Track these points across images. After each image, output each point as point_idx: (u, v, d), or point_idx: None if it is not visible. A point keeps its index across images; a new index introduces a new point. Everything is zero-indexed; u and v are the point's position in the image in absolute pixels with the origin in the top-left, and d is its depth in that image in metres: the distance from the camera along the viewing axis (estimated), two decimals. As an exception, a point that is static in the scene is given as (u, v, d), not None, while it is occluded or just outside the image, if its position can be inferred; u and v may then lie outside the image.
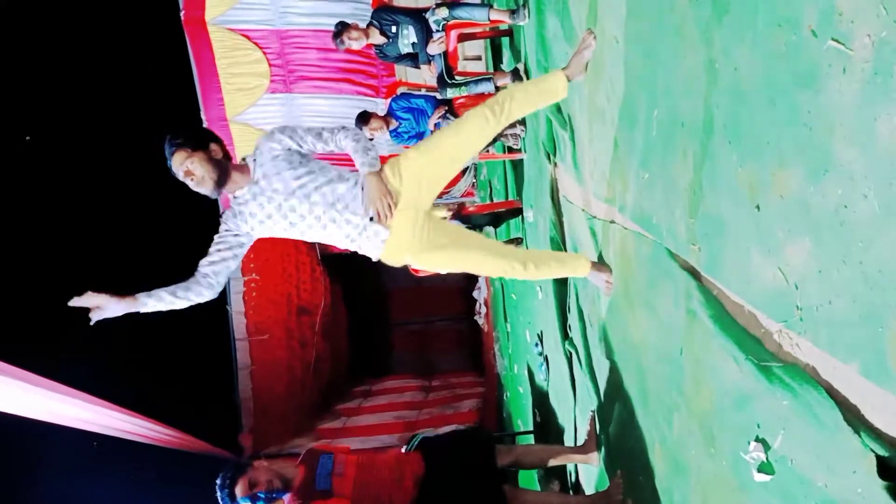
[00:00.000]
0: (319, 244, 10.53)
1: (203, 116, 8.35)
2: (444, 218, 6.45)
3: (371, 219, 2.84)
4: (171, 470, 7.52)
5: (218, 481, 3.24)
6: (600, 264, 3.26)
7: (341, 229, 2.86)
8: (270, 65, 8.20)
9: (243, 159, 2.91)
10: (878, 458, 1.35)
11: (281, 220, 2.85)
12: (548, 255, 3.34)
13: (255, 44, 8.11)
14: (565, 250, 4.41)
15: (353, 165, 2.89)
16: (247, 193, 2.84)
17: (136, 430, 5.69)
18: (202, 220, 8.74)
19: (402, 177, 2.87)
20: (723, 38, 1.84)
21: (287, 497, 3.25)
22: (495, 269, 3.10)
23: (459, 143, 2.97)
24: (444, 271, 3.09)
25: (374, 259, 2.99)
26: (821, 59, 1.40)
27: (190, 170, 2.75)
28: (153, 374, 8.47)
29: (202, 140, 2.82)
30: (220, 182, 2.79)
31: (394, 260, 2.98)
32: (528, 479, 4.99)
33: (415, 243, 2.92)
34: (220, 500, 3.23)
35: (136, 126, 9.05)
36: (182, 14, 7.77)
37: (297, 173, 2.82)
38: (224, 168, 2.81)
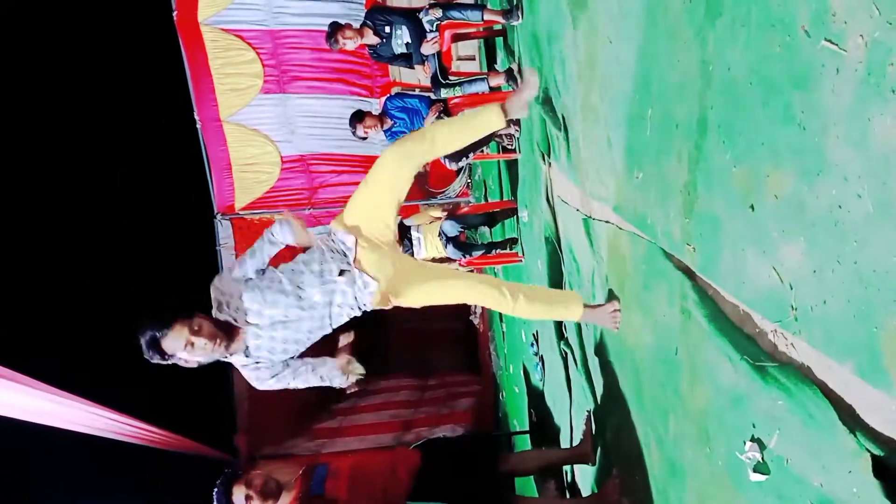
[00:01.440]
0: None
1: (196, 117, 8.32)
2: (439, 218, 6.44)
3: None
4: (165, 472, 7.50)
5: (214, 493, 3.24)
6: (597, 305, 3.09)
7: (341, 317, 2.90)
8: (264, 65, 8.17)
9: (225, 323, 2.72)
10: (874, 457, 1.35)
11: (294, 334, 2.81)
12: (539, 293, 3.19)
13: (249, 44, 8.08)
14: (560, 251, 4.41)
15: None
16: (249, 340, 2.73)
17: (129, 432, 5.67)
18: (197, 219, 8.73)
19: (348, 224, 2.83)
20: (717, 38, 1.85)
21: None
22: (482, 296, 2.96)
23: (383, 182, 2.85)
24: (431, 302, 2.98)
25: (370, 308, 2.95)
26: (814, 60, 1.40)
27: (203, 332, 2.56)
28: (147, 375, 8.45)
29: (187, 307, 2.65)
30: (229, 334, 2.66)
31: (384, 304, 2.92)
32: (525, 482, 4.99)
33: (391, 280, 2.84)
34: None
35: (129, 127, 9.03)
36: (175, 14, 7.74)
37: (283, 289, 2.74)
38: (221, 323, 2.67)
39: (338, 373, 2.97)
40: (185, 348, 2.53)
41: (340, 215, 2.88)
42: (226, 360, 2.74)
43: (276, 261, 2.94)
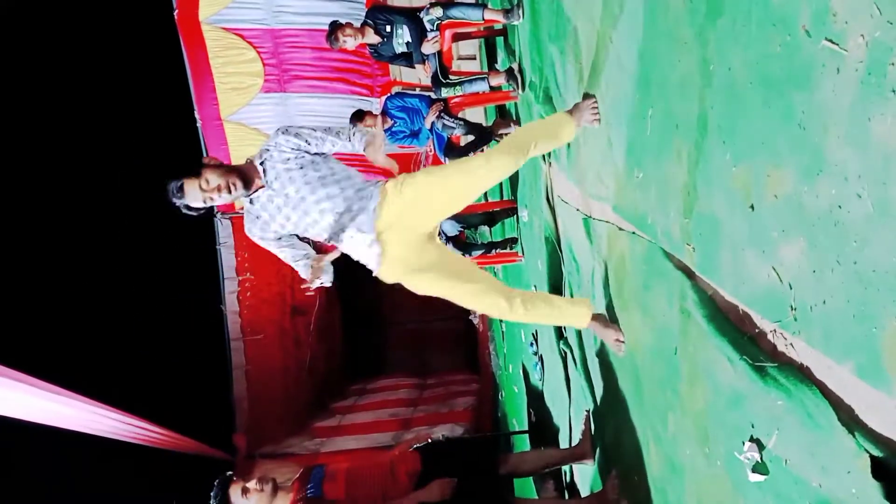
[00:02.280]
0: (315, 243, 10.50)
1: (197, 115, 8.33)
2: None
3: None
4: (164, 471, 7.51)
5: (212, 494, 3.25)
6: (606, 319, 3.08)
7: (351, 240, 2.87)
8: (265, 64, 8.17)
9: (249, 161, 2.90)
10: (873, 458, 1.35)
11: (300, 222, 2.86)
12: (542, 298, 3.18)
13: (250, 43, 8.08)
14: (560, 250, 4.41)
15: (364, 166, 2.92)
16: (262, 196, 2.84)
17: (128, 431, 5.67)
18: (197, 217, 8.72)
19: (404, 193, 2.84)
20: (717, 37, 1.84)
21: None
22: (483, 303, 3.00)
23: (469, 183, 2.96)
24: (433, 294, 3.00)
25: (374, 272, 2.97)
26: (815, 59, 1.40)
27: (212, 186, 2.72)
28: (147, 374, 8.45)
29: (197, 163, 2.81)
30: (245, 180, 2.78)
31: (388, 277, 2.96)
32: (525, 482, 4.99)
33: (405, 262, 2.90)
34: None
35: (130, 125, 9.03)
36: (176, 13, 7.74)
37: (308, 178, 2.80)
38: (238, 168, 2.82)
39: (307, 266, 2.96)
40: (205, 201, 2.75)
41: (404, 180, 2.88)
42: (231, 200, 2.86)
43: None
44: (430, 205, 2.90)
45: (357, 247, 2.87)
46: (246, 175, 2.79)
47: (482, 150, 5.99)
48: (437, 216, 3.02)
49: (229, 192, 2.73)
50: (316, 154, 2.89)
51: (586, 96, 3.13)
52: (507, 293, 2.95)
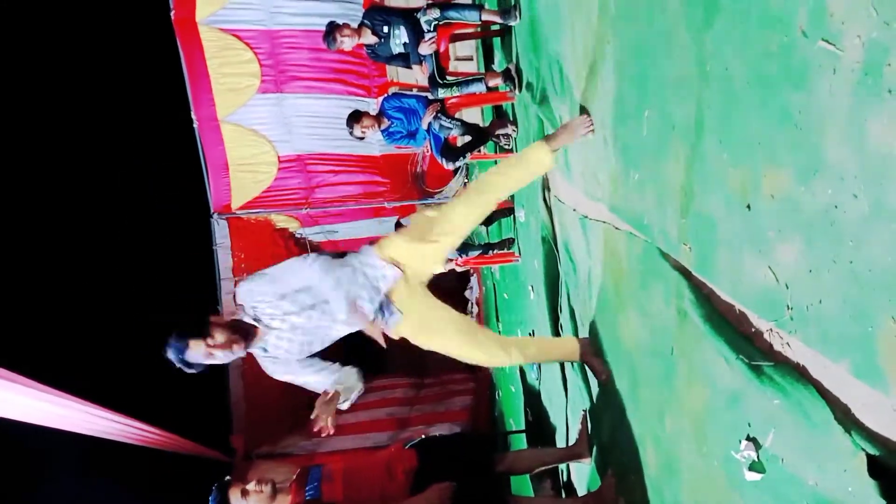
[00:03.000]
0: (310, 243, 10.49)
1: (193, 116, 8.31)
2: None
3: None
4: (162, 472, 7.50)
5: (210, 498, 3.25)
6: (596, 356, 3.33)
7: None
8: (261, 65, 8.16)
9: (237, 319, 2.92)
10: (869, 457, 1.36)
11: (318, 339, 2.99)
12: (534, 344, 3.52)
13: (246, 44, 8.07)
14: (557, 251, 4.41)
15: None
16: (270, 339, 2.90)
17: (126, 432, 5.66)
18: (193, 218, 8.72)
19: (393, 257, 3.02)
20: (714, 38, 1.85)
21: None
22: (484, 356, 3.26)
23: (448, 233, 3.11)
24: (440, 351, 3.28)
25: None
26: (811, 60, 1.41)
27: (219, 342, 2.75)
28: (144, 375, 8.44)
29: (202, 320, 2.85)
30: (246, 337, 2.82)
31: (395, 335, 3.15)
32: (521, 481, 4.99)
33: (413, 322, 3.10)
34: None
35: (127, 126, 9.02)
36: (172, 14, 7.73)
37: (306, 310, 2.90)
38: (239, 326, 2.85)
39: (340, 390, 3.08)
40: (207, 359, 2.77)
41: (383, 245, 3.05)
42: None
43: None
44: (433, 254, 3.10)
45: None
46: (247, 332, 2.84)
47: (479, 151, 6.01)
48: (425, 270, 3.16)
49: (231, 350, 2.77)
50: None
51: (582, 110, 3.24)
52: (503, 344, 3.26)
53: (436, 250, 3.08)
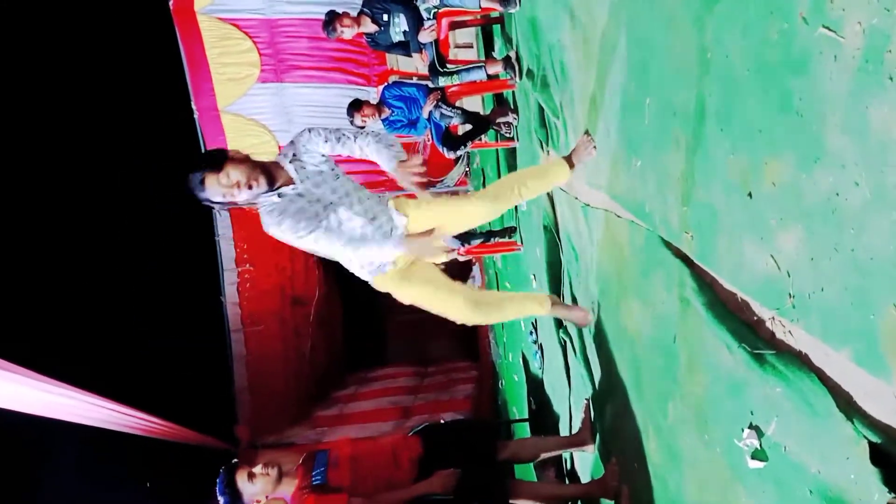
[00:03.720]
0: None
1: (193, 106, 8.30)
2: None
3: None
4: (167, 462, 7.53)
5: (217, 481, 3.26)
6: (564, 304, 3.51)
7: (355, 260, 3.01)
8: (261, 54, 8.14)
9: (274, 160, 2.87)
10: (871, 444, 1.36)
11: (317, 227, 2.86)
12: (505, 299, 3.64)
13: (245, 33, 8.04)
14: (559, 239, 4.41)
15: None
16: (291, 191, 2.80)
17: (131, 423, 5.69)
18: (195, 209, 8.72)
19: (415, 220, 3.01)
20: (715, 25, 1.84)
21: (288, 498, 3.27)
22: (451, 309, 3.28)
23: (456, 220, 3.21)
24: (415, 303, 3.29)
25: (370, 281, 3.13)
26: (812, 47, 1.40)
27: (232, 181, 2.63)
28: (149, 366, 8.47)
29: (221, 154, 2.74)
30: (270, 177, 2.72)
31: (381, 285, 3.13)
32: (525, 468, 5.01)
33: (397, 272, 3.08)
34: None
35: (126, 116, 9.01)
36: (171, 3, 7.70)
37: (336, 189, 2.88)
38: (263, 164, 2.76)
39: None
40: (224, 196, 2.65)
41: (405, 202, 3.04)
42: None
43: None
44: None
45: (362, 264, 3.02)
46: (271, 172, 2.74)
47: (480, 139, 5.99)
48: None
49: (250, 188, 2.65)
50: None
51: (586, 134, 3.30)
52: (473, 299, 3.29)
53: (439, 221, 3.01)
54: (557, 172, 3.34)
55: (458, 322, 3.36)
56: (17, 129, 8.42)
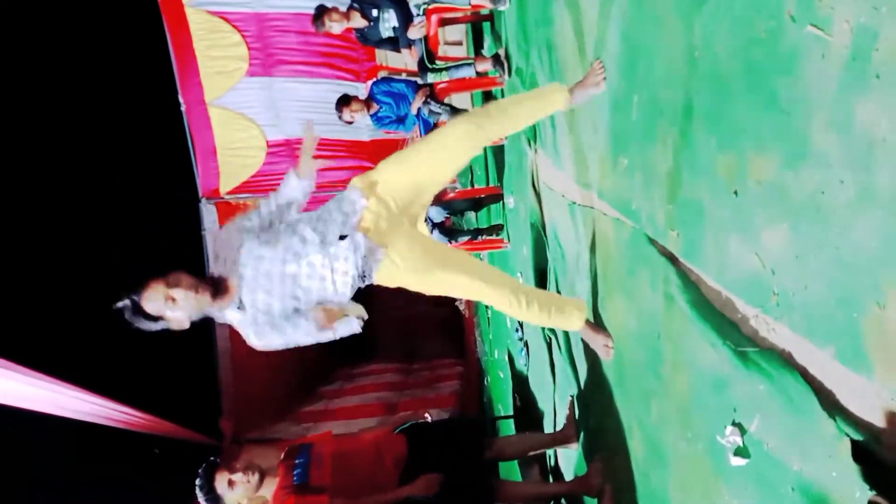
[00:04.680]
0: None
1: (181, 99, 8.23)
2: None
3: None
4: (150, 456, 7.49)
5: (197, 483, 3.24)
6: (597, 326, 3.02)
7: (346, 285, 2.69)
8: (249, 48, 8.08)
9: (210, 276, 2.61)
10: (853, 442, 1.36)
11: (296, 284, 2.62)
12: (546, 298, 2.96)
13: (234, 26, 7.98)
14: (546, 236, 4.41)
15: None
16: (245, 297, 2.58)
17: (113, 416, 5.65)
18: (181, 203, 8.67)
19: (380, 197, 2.67)
20: (702, 23, 1.84)
21: (270, 497, 3.26)
22: (492, 299, 2.81)
23: (438, 159, 2.74)
24: (442, 293, 2.84)
25: (374, 281, 2.76)
26: (799, 45, 1.40)
27: (175, 291, 2.44)
28: (132, 359, 8.41)
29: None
30: (217, 287, 2.53)
31: (388, 280, 2.76)
32: (509, 466, 5.02)
33: (404, 256, 2.69)
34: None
35: (113, 110, 8.94)
36: (159, -4, 7.65)
37: (266, 249, 2.60)
38: (208, 276, 2.57)
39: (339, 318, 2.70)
40: (167, 303, 2.43)
41: (367, 174, 2.73)
42: (221, 319, 2.62)
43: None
44: (421, 177, 2.73)
45: (350, 259, 2.63)
46: (217, 284, 2.54)
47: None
48: (424, 184, 2.78)
49: (198, 295, 2.46)
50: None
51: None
52: (511, 286, 2.81)
53: (426, 166, 2.72)
54: (554, 98, 2.86)
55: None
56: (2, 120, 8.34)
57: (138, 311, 2.43)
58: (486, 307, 8.74)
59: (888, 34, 1.16)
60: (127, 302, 2.44)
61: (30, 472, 7.76)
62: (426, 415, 5.53)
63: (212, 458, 3.35)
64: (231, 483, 3.20)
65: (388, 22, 5.41)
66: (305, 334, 2.68)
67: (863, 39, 1.22)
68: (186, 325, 2.54)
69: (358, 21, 5.47)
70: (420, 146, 2.84)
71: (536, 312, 2.82)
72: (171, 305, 2.43)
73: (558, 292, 4.08)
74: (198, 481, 3.24)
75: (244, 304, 2.58)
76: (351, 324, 2.78)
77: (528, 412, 5.34)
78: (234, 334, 9.73)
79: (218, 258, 2.62)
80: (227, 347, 9.47)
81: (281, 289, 2.58)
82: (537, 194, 4.59)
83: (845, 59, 1.27)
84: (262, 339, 2.66)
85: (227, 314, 2.60)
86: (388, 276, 2.71)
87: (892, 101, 1.18)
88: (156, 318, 2.46)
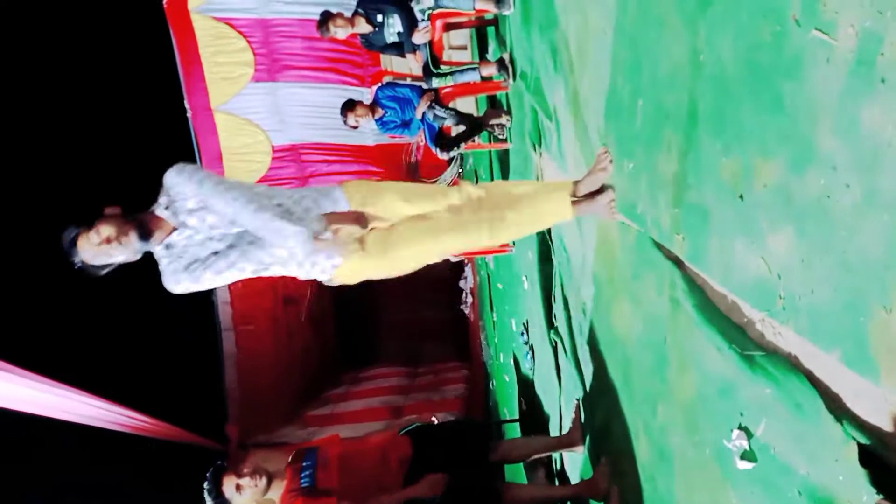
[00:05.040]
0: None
1: (187, 105, 8.27)
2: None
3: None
4: (156, 461, 7.50)
5: (205, 487, 3.25)
6: (589, 195, 2.83)
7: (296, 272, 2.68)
8: (255, 54, 8.11)
9: (149, 210, 2.60)
10: (860, 446, 1.36)
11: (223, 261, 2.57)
12: (521, 207, 2.81)
13: (240, 32, 8.02)
14: (551, 241, 4.41)
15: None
16: (180, 238, 2.56)
17: (120, 420, 5.67)
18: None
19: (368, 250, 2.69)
20: (707, 28, 1.84)
21: (277, 501, 3.27)
22: (466, 245, 2.83)
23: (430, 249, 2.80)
24: (413, 269, 2.86)
25: (326, 281, 2.76)
26: (805, 49, 1.40)
27: (102, 236, 2.44)
28: (140, 364, 8.43)
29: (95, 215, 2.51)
30: (143, 230, 2.49)
31: (348, 278, 2.76)
32: (515, 469, 5.01)
33: (361, 258, 2.69)
34: None
35: (119, 115, 8.97)
36: (165, 1, 7.68)
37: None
38: (137, 217, 2.53)
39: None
40: (101, 257, 2.47)
41: (353, 186, 2.74)
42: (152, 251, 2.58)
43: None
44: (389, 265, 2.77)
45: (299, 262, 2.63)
46: (146, 224, 2.51)
47: (474, 141, 5.99)
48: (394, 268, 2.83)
49: (120, 243, 2.45)
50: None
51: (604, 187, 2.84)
52: (483, 221, 2.75)
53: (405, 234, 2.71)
54: (555, 207, 2.82)
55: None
56: (6, 127, 8.38)
57: (75, 255, 2.47)
58: (492, 310, 8.74)
59: (893, 38, 1.16)
60: (67, 241, 2.47)
61: (35, 477, 7.78)
62: (432, 418, 5.53)
63: (219, 462, 3.35)
64: (239, 487, 3.20)
65: (393, 27, 5.43)
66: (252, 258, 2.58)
67: (868, 44, 1.22)
68: (122, 260, 2.56)
69: (363, 26, 5.49)
70: (428, 225, 2.77)
71: (519, 229, 2.84)
72: (105, 248, 2.46)
73: (564, 296, 4.08)
74: (206, 485, 3.25)
75: (171, 245, 2.57)
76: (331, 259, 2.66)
77: (533, 416, 5.34)
78: (240, 340, 9.77)
79: (169, 203, 2.57)
80: (233, 353, 9.49)
81: (218, 245, 2.57)
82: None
83: (850, 63, 1.27)
84: (179, 284, 2.59)
85: (153, 249, 2.58)
86: (348, 275, 2.72)
87: (897, 106, 1.18)
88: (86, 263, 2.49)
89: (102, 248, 2.45)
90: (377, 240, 2.73)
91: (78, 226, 2.48)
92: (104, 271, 2.54)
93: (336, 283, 2.77)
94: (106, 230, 2.45)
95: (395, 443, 3.51)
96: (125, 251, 2.48)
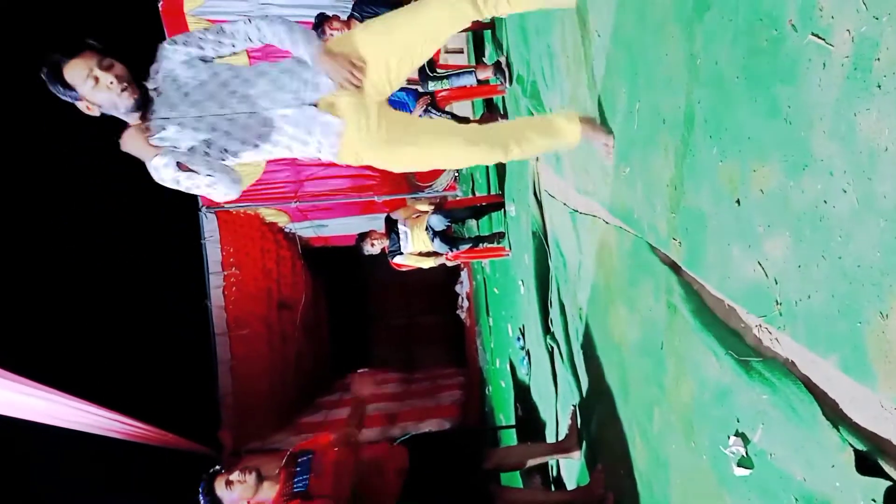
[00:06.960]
0: (300, 238, 10.46)
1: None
2: (426, 212, 6.43)
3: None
4: (149, 467, 7.47)
5: (200, 488, 3.25)
6: (595, 125, 2.76)
7: (286, 149, 2.46)
8: (250, 57, 8.11)
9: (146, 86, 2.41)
10: (857, 452, 1.36)
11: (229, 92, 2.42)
12: (529, 129, 2.73)
13: (235, 35, 8.03)
14: (547, 245, 4.41)
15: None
16: (161, 107, 2.38)
17: (113, 427, 5.64)
18: (182, 212, 8.69)
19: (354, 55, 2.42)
20: (704, 32, 1.84)
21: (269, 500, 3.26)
22: (470, 158, 2.67)
23: (420, 30, 2.48)
24: (410, 169, 2.71)
25: (335, 159, 2.54)
26: (801, 54, 1.40)
27: (102, 74, 2.24)
28: (132, 370, 8.40)
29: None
30: (142, 97, 2.31)
31: (351, 157, 2.54)
32: (511, 476, 5.00)
33: (367, 134, 2.48)
34: None
35: (112, 119, 8.94)
36: (160, 4, 7.67)
37: (201, 79, 2.41)
38: (143, 86, 2.36)
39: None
40: (87, 80, 2.24)
41: (343, 39, 2.51)
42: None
43: None
44: (380, 64, 2.46)
45: (301, 124, 2.41)
46: (145, 97, 2.35)
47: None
48: (394, 76, 2.54)
49: (124, 90, 2.28)
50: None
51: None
52: (490, 138, 2.64)
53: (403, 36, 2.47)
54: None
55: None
56: None
57: (57, 72, 2.26)
58: (488, 315, 8.74)
59: (889, 43, 1.16)
60: (53, 59, 2.26)
61: (27, 485, 7.73)
62: (424, 428, 5.52)
63: (216, 468, 3.35)
64: (229, 483, 3.20)
65: (389, 30, 5.42)
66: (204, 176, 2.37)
67: (864, 49, 1.22)
68: (95, 114, 2.37)
69: (358, 30, 5.48)
70: (398, 16, 2.53)
71: (530, 149, 2.71)
72: (91, 86, 2.26)
73: (560, 301, 4.08)
74: (200, 488, 3.25)
75: (160, 130, 2.39)
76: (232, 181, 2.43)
77: (529, 422, 5.33)
78: (234, 345, 9.74)
79: (155, 75, 2.44)
80: (227, 358, 9.47)
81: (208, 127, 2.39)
82: (539, 202, 4.59)
83: (847, 68, 1.27)
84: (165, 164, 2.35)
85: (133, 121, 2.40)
86: (349, 152, 2.52)
87: (893, 111, 1.17)
88: (69, 88, 2.28)
89: (95, 88, 2.26)
90: (392, 124, 2.56)
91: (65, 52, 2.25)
92: (63, 97, 2.33)
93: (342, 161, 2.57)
94: (119, 68, 2.29)
95: (392, 453, 3.50)
96: (113, 103, 2.31)
